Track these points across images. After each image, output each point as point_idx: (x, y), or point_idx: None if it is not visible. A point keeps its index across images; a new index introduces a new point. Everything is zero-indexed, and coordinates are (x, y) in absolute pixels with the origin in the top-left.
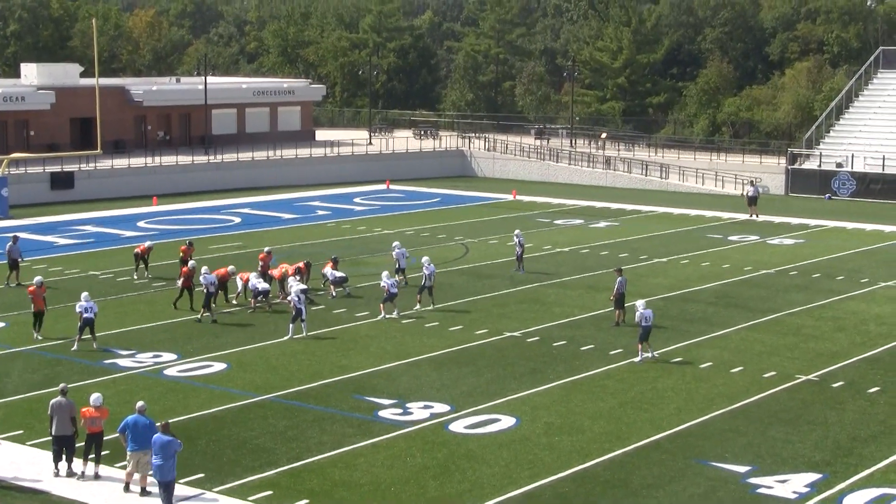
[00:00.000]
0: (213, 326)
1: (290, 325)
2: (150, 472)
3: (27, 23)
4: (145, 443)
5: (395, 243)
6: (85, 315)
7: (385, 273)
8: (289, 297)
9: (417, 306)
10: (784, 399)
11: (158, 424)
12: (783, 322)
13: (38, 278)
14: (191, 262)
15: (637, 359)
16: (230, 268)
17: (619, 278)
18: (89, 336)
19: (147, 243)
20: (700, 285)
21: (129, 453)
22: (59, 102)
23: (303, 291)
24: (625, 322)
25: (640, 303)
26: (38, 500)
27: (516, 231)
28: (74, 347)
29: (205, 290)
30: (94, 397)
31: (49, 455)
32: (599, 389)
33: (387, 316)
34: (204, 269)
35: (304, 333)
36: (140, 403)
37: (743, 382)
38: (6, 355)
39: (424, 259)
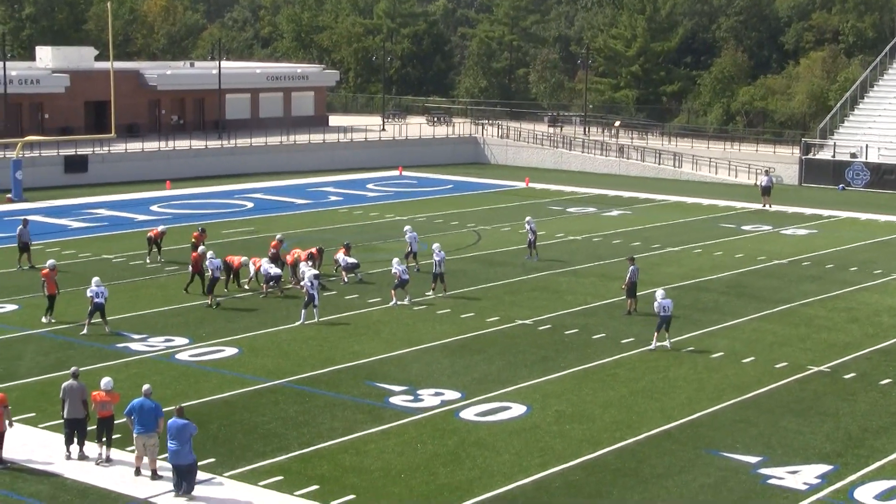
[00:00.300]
0: (226, 311)
1: (303, 311)
2: (165, 457)
3: (42, 6)
4: (151, 425)
5: (407, 227)
6: (96, 300)
7: (396, 259)
8: (301, 283)
9: (430, 293)
10: (796, 390)
11: (173, 408)
12: (796, 313)
13: (50, 261)
14: (201, 248)
15: (651, 346)
16: (242, 258)
17: (632, 267)
18: (99, 320)
19: (160, 227)
20: (712, 275)
21: (135, 436)
22: (73, 86)
23: (315, 277)
24: (637, 311)
25: (659, 292)
26: (50, 483)
27: (527, 218)
28: (84, 332)
29: (210, 275)
30: (105, 381)
31: (61, 438)
32: (611, 378)
33: (398, 302)
34: (209, 253)
35: (316, 319)
36: (146, 386)
37: (754, 373)
38: (18, 338)
39: (435, 246)
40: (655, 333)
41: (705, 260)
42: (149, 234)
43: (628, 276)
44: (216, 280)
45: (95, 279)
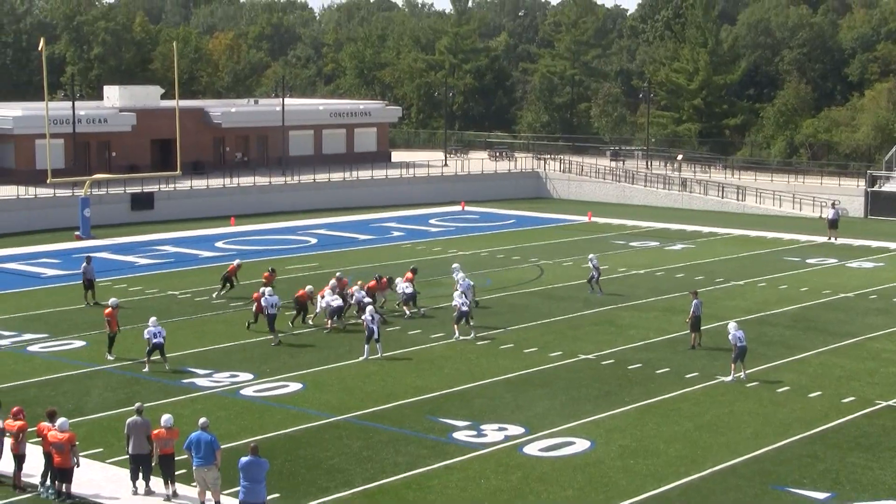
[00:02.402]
0: (290, 347)
1: (365, 346)
2: (232, 491)
3: (110, 46)
4: (210, 458)
5: (455, 265)
6: (154, 340)
7: (457, 293)
8: (363, 317)
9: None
10: (864, 425)
11: (251, 446)
12: (863, 346)
13: (113, 300)
14: (268, 289)
15: (728, 378)
16: (308, 288)
17: (695, 301)
18: (159, 358)
19: (236, 262)
20: (778, 308)
21: (194, 469)
22: (139, 124)
23: (374, 312)
24: (700, 345)
25: (731, 325)
26: None
27: (590, 255)
28: (145, 369)
29: (267, 313)
30: (165, 418)
31: (127, 473)
32: (675, 413)
33: (461, 337)
34: (267, 290)
35: (380, 354)
36: (202, 420)
37: (821, 407)
38: (87, 374)
39: (460, 275)
40: (732, 365)
41: (770, 293)
42: (225, 273)
43: (692, 310)
44: (274, 316)
45: (152, 319)
